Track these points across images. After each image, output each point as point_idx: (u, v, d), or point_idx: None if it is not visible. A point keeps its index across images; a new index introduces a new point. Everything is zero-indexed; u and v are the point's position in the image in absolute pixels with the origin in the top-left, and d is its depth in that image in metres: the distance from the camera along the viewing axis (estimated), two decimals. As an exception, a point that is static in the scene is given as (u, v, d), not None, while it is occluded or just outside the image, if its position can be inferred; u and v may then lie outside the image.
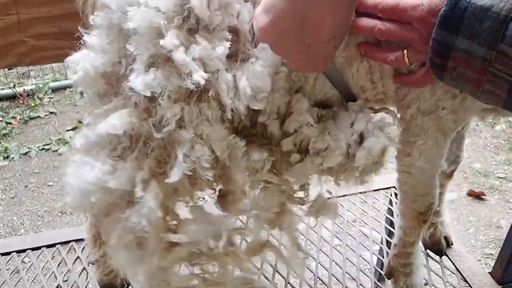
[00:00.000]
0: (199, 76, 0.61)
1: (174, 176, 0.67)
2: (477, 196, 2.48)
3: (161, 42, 0.60)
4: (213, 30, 0.65)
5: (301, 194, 0.87)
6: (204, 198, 1.31)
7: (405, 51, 0.65)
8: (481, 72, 0.55)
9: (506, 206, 2.43)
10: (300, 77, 0.76)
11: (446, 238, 1.26)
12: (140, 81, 0.62)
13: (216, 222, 0.77)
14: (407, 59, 0.65)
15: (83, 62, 0.67)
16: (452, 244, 1.28)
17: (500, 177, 2.63)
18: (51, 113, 3.48)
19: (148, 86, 0.62)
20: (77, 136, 0.76)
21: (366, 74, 0.78)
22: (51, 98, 3.68)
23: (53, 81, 3.83)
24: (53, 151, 3.03)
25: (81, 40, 0.68)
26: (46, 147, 3.07)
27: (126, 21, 0.62)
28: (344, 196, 1.47)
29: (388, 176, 1.54)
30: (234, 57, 0.71)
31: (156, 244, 0.80)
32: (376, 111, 0.85)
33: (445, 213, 1.25)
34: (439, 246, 1.25)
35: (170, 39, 0.60)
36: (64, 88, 3.80)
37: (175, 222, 0.85)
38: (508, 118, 3.01)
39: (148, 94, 0.63)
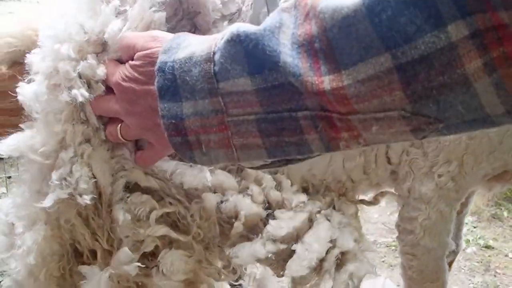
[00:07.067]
0: (79, 93, 0.57)
1: (48, 201, 0.60)
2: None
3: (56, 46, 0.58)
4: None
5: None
6: None
7: (119, 125, 0.58)
8: (222, 128, 0.44)
9: (491, 332, 2.09)
10: None
11: None
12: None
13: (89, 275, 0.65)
14: (120, 135, 0.58)
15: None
16: None
17: (481, 300, 2.34)
18: None
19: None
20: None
21: (362, 168, 0.76)
22: None
23: None
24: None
25: None
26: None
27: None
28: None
29: (375, 280, 1.32)
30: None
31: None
32: (375, 199, 0.81)
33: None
34: None
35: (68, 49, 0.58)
36: None
37: None
38: (477, 241, 2.80)
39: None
